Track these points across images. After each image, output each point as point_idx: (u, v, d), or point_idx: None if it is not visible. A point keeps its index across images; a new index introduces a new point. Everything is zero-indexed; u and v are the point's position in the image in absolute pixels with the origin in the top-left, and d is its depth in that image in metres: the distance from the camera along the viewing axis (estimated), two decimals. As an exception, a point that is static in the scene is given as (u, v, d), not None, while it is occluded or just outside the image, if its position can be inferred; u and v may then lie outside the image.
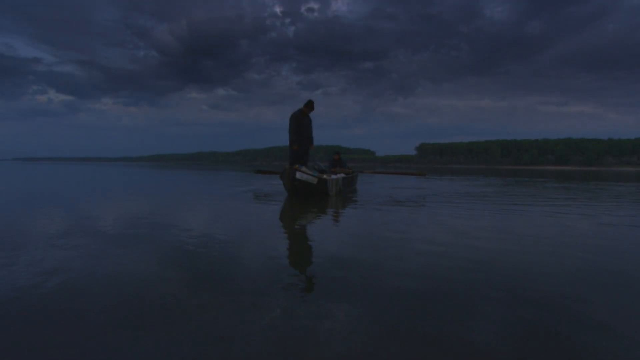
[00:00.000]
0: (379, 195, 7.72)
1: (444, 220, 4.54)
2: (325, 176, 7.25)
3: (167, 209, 5.32)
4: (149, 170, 25.68)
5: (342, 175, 8.49)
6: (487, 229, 3.99)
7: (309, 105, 7.91)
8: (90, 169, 27.20)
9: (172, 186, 10.38)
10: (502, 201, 6.81)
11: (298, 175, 6.55)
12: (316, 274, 2.37)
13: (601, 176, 24.74)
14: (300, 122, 7.72)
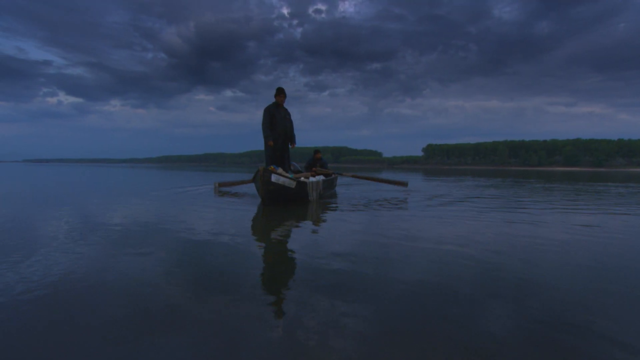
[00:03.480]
0: (363, 199, 7.28)
1: (438, 223, 4.41)
2: (303, 178, 6.87)
3: (175, 212, 5.13)
4: (155, 172, 25.61)
5: (322, 177, 7.88)
6: (473, 233, 3.75)
7: (279, 93, 7.19)
8: (91, 171, 27.15)
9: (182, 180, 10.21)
10: (485, 204, 6.53)
11: (274, 178, 5.92)
12: (321, 277, 2.34)
13: (609, 177, 24.24)
14: (273, 115, 7.04)
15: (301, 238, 3.65)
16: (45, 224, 4.26)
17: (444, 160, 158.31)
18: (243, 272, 2.46)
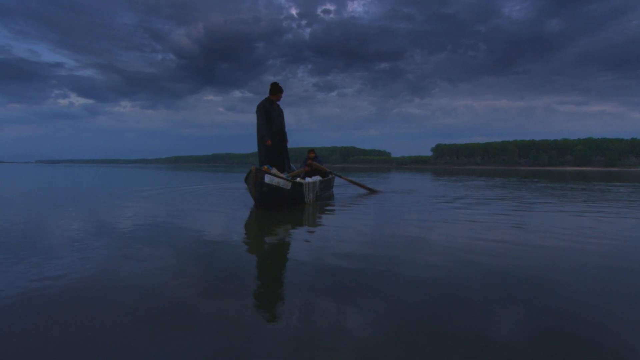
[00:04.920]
0: (361, 201, 6.99)
1: (442, 225, 4.24)
2: (299, 179, 6.58)
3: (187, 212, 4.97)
4: (163, 172, 25.69)
5: (319, 177, 7.53)
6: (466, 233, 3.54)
7: (274, 89, 6.66)
8: (101, 172, 27.31)
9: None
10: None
11: (267, 179, 5.52)
12: (330, 277, 2.31)
13: (622, 177, 23.75)
14: (269, 113, 6.55)
15: (300, 242, 3.47)
16: (54, 224, 4.28)
17: (453, 160, 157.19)
18: (245, 274, 2.39)
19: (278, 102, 6.91)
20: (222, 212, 5.37)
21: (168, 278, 2.26)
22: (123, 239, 3.43)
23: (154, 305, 1.85)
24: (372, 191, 8.75)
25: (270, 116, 6.58)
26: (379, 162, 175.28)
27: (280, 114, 6.79)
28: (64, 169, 37.91)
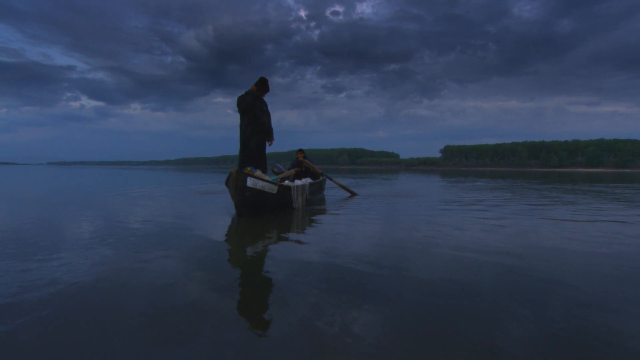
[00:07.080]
0: (358, 204, 6.53)
1: (443, 230, 4.01)
2: (287, 181, 6.20)
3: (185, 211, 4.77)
4: (172, 174, 25.74)
5: (309, 180, 7.02)
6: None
7: (261, 84, 6.07)
8: (110, 174, 27.39)
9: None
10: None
11: (250, 182, 4.97)
12: (336, 279, 2.29)
13: (635, 178, 23.37)
14: (254, 106, 5.99)
15: (299, 246, 3.27)
16: (64, 224, 4.35)
17: (462, 161, 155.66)
18: (243, 280, 2.35)
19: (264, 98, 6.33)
20: (203, 220, 5.12)
21: (167, 282, 2.24)
22: (125, 239, 3.42)
23: (160, 307, 1.83)
24: (352, 194, 8.18)
25: (253, 112, 6.05)
26: (387, 163, 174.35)
27: (263, 109, 6.18)
28: (75, 171, 38.18)
